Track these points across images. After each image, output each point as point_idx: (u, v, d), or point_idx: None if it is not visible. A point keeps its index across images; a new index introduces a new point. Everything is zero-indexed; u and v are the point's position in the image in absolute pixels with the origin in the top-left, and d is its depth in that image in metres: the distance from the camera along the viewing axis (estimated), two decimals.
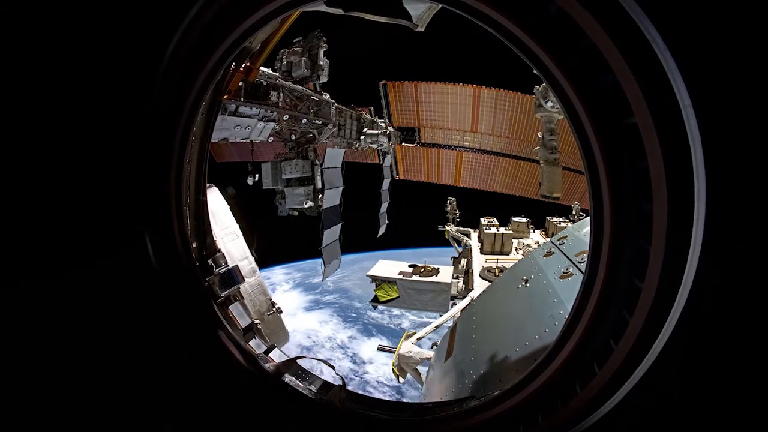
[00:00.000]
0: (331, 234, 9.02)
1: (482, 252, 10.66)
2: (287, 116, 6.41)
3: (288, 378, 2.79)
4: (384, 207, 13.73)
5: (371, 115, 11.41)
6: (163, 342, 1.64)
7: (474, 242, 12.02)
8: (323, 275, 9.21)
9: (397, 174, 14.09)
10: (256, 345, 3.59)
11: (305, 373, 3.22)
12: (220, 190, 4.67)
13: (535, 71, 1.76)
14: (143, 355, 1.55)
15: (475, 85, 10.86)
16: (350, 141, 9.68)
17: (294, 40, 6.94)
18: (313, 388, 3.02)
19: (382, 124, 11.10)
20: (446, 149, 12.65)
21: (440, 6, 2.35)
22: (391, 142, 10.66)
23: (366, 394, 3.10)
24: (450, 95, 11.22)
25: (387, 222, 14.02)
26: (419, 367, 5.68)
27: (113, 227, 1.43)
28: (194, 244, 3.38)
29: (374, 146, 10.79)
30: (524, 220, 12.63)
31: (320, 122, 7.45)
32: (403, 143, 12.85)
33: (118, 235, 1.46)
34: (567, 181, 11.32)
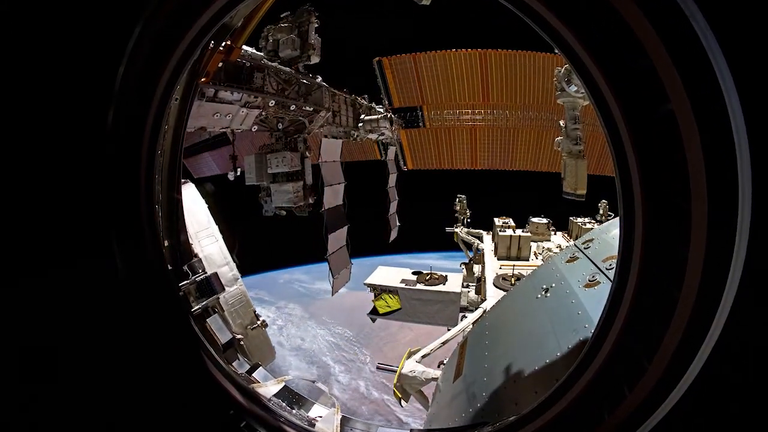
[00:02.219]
0: (337, 239, 8.78)
1: (497, 257, 10.67)
2: (273, 102, 6.41)
3: (275, 402, 2.80)
4: (393, 207, 13.60)
5: (367, 102, 11.37)
6: (129, 362, 1.64)
7: (487, 246, 12.03)
8: (332, 288, 8.88)
9: (405, 165, 13.72)
10: (237, 364, 3.59)
11: (295, 396, 3.22)
12: (196, 187, 4.68)
13: (557, 51, 1.75)
14: (105, 378, 1.54)
15: (481, 50, 10.75)
16: (347, 130, 9.64)
17: (281, 16, 6.93)
18: (303, 413, 3.03)
19: (381, 110, 11.06)
20: (458, 128, 12.45)
21: None
22: (393, 128, 10.58)
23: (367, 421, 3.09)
24: (455, 64, 11.09)
25: (399, 224, 13.92)
26: (424, 389, 5.68)
27: (74, 230, 1.43)
28: (166, 243, 3.38)
29: (374, 135, 10.74)
30: (544, 220, 12.64)
31: (311, 109, 7.45)
32: (405, 128, 12.67)
33: (79, 239, 1.45)
34: (597, 147, 11.06)
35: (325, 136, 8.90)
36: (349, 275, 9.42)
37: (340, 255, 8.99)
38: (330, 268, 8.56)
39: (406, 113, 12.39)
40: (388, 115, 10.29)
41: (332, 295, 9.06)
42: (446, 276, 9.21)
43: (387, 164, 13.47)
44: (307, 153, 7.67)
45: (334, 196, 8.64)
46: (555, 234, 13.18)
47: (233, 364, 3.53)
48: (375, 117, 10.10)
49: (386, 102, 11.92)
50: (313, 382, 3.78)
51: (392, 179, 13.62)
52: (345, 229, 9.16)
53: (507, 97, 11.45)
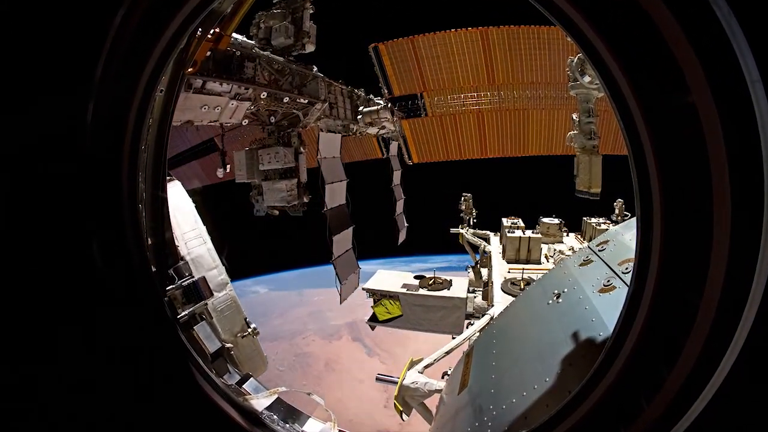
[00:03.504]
0: (342, 241, 8.54)
1: (505, 260, 10.67)
2: (265, 94, 6.42)
3: (267, 416, 2.80)
4: (400, 206, 13.43)
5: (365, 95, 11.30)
6: (109, 373, 1.63)
7: (494, 248, 12.02)
8: (341, 296, 8.53)
9: (410, 159, 13.46)
10: (227, 375, 3.60)
11: (288, 410, 3.23)
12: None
13: (569, 38, 1.76)
14: (83, 390, 1.54)
15: (482, 28, 10.82)
16: (345, 123, 9.59)
17: (274, 1, 6.94)
18: (297, 427, 3.03)
19: (380, 102, 11.03)
20: (464, 114, 12.23)
21: None
22: (395, 118, 10.49)
23: None
24: (455, 45, 11.09)
25: (407, 225, 13.78)
26: (427, 401, 5.68)
27: (51, 234, 1.43)
28: (150, 242, 3.37)
29: (375, 129, 10.69)
30: (556, 220, 12.62)
31: (306, 101, 7.45)
32: (407, 118, 12.50)
33: (57, 243, 1.45)
34: (614, 125, 11.02)
35: (322, 130, 8.86)
36: (357, 281, 9.25)
37: (347, 259, 8.80)
38: (336, 274, 8.33)
39: (407, 102, 12.23)
40: (389, 105, 10.20)
41: (340, 303, 8.81)
42: (451, 280, 9.20)
43: (390, 161, 13.33)
44: (301, 148, 7.66)
45: (335, 194, 8.47)
46: (567, 235, 13.15)
47: (224, 376, 3.53)
48: (375, 108, 10.06)
49: (386, 91, 11.77)
50: (309, 394, 3.78)
51: (397, 176, 13.47)
52: (350, 230, 8.99)
53: (513, 76, 11.43)
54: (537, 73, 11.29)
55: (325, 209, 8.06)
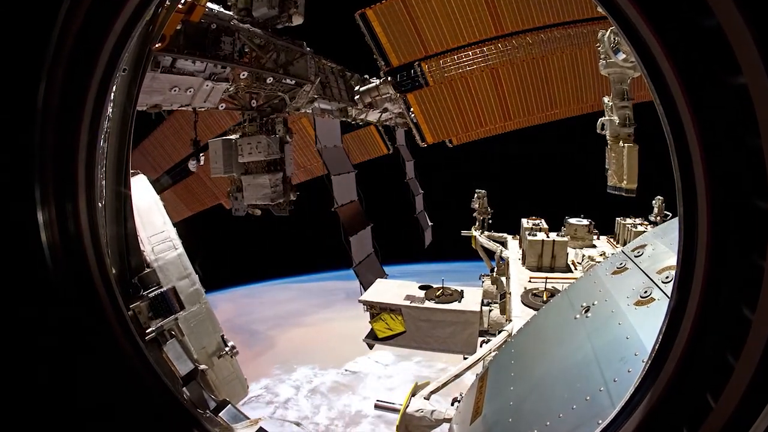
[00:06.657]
0: (361, 243, 8.26)
1: (525, 267, 10.68)
2: (246, 74, 6.42)
3: None
4: (419, 202, 13.13)
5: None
6: (67, 398, 1.63)
7: (513, 254, 12.04)
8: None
9: (423, 140, 12.84)
10: (201, 401, 3.59)
11: None
12: (150, 180, 4.68)
13: (600, 9, 1.75)
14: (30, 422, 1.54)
15: None
16: (341, 106, 9.43)
17: None
18: None
19: (375, 81, 10.95)
20: (476, 75, 11.91)
21: None
22: (397, 94, 10.26)
23: None
24: None
25: (431, 223, 13.51)
26: None
27: None
28: (110, 247, 3.37)
29: (377, 114, 10.57)
30: (584, 221, 12.64)
31: (293, 82, 7.44)
32: (410, 91, 12.11)
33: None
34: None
35: (317, 115, 8.77)
36: None
37: (370, 265, 8.55)
38: (361, 283, 8.06)
39: (404, 73, 11.72)
40: (389, 79, 9.99)
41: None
42: (462, 291, 9.18)
43: (399, 151, 13.08)
44: (288, 137, 7.66)
45: (344, 189, 8.26)
46: (598, 238, 13.18)
47: (197, 403, 3.53)
48: (373, 84, 9.89)
49: (382, 63, 11.54)
50: (298, 424, 3.78)
51: (410, 168, 13.19)
52: (368, 230, 8.79)
53: (522, 18, 11.30)
54: (548, 11, 11.15)
55: (335, 206, 7.84)
